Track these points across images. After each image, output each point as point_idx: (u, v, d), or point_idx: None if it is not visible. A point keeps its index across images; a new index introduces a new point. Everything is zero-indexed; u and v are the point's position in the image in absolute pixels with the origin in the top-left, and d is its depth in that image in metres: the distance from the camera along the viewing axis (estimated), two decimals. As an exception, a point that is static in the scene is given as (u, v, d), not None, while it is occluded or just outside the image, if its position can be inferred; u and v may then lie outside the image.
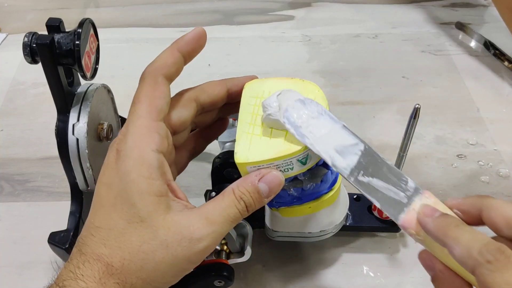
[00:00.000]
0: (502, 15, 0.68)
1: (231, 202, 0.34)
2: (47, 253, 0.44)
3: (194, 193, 0.53)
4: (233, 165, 0.36)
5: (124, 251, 0.32)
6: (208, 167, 0.50)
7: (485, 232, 0.30)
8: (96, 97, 0.43)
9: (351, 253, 0.50)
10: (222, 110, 0.42)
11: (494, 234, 0.31)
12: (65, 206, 0.45)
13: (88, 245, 0.33)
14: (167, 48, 0.37)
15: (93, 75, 0.41)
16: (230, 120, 0.47)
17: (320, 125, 0.36)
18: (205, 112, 0.41)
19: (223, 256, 0.42)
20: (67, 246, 0.42)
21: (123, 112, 0.48)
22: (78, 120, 0.41)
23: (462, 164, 0.58)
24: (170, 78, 0.37)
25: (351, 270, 0.49)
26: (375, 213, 0.48)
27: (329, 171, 0.40)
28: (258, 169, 0.36)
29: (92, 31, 0.41)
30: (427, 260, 0.33)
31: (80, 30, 0.38)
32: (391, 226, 0.48)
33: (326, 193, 0.41)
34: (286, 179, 0.37)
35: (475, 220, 0.32)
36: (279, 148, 0.36)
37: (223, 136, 0.47)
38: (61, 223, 0.44)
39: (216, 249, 0.42)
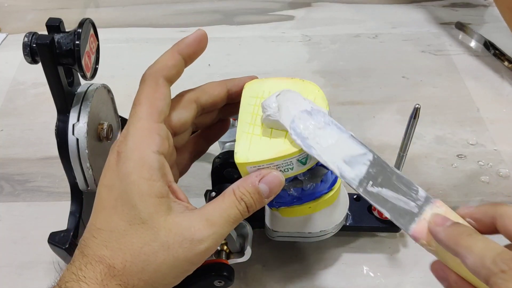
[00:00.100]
0: (503, 15, 0.68)
1: (231, 203, 0.34)
2: (47, 253, 0.44)
3: (194, 193, 0.53)
4: (233, 165, 0.36)
5: (125, 253, 0.32)
6: (208, 167, 0.50)
7: (499, 241, 0.29)
8: (96, 97, 0.43)
9: (351, 253, 0.50)
10: (222, 111, 0.43)
11: (507, 242, 0.30)
12: (65, 206, 0.45)
13: (90, 247, 0.33)
14: (167, 50, 0.37)
15: (93, 75, 0.41)
16: (231, 120, 0.47)
17: (327, 135, 0.35)
18: (205, 113, 0.41)
19: (223, 256, 0.42)
20: (67, 246, 0.42)
21: (123, 112, 0.48)
22: (78, 120, 0.41)
23: (462, 164, 0.58)
24: (171, 80, 0.37)
25: (351, 270, 0.49)
26: (375, 213, 0.48)
27: (329, 171, 0.40)
28: (258, 169, 0.36)
29: (92, 31, 0.41)
30: (440, 271, 0.32)
31: (80, 30, 0.38)
32: (391, 226, 0.48)
33: (326, 193, 0.41)
34: (286, 179, 0.37)
35: (488, 228, 0.31)
36: (279, 148, 0.35)
37: (223, 136, 0.47)
38: (61, 223, 0.44)
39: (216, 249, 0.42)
